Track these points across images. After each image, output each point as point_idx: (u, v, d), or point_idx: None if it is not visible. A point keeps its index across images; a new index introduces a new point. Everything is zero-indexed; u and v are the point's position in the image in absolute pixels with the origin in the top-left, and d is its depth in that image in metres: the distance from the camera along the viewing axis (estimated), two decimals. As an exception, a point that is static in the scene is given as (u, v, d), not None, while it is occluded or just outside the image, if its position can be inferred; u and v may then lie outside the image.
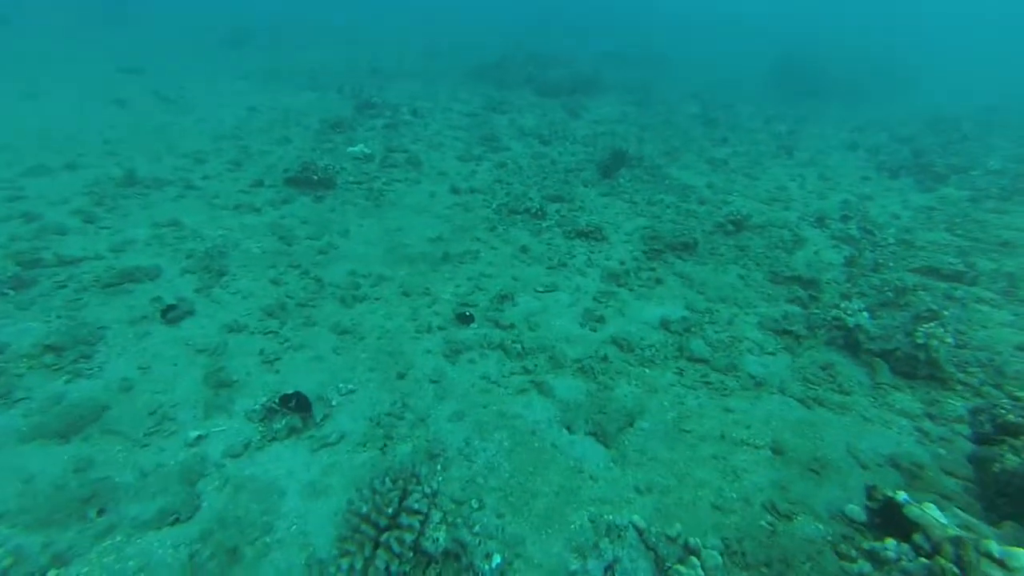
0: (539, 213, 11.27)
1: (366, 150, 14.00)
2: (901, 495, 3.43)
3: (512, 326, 7.71)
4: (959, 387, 6.87)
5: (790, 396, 6.64)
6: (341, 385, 6.49)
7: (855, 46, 32.59)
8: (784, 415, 6.32)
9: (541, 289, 8.69)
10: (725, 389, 6.70)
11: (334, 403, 6.21)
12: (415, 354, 7.11)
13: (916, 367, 6.84)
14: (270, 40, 32.45)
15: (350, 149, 14.03)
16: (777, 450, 5.80)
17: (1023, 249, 10.84)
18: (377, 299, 8.25)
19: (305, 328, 7.45)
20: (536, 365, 7.01)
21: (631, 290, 8.89)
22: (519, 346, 7.29)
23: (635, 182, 13.90)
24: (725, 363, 7.12)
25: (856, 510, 4.58)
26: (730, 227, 11.11)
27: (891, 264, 9.80)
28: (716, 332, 7.88)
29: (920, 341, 6.75)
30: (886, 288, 8.90)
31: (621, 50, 36.23)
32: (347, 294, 8.21)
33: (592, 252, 10.10)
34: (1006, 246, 10.94)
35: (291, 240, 9.67)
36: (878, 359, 7.04)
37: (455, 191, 12.32)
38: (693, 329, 7.85)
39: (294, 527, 4.69)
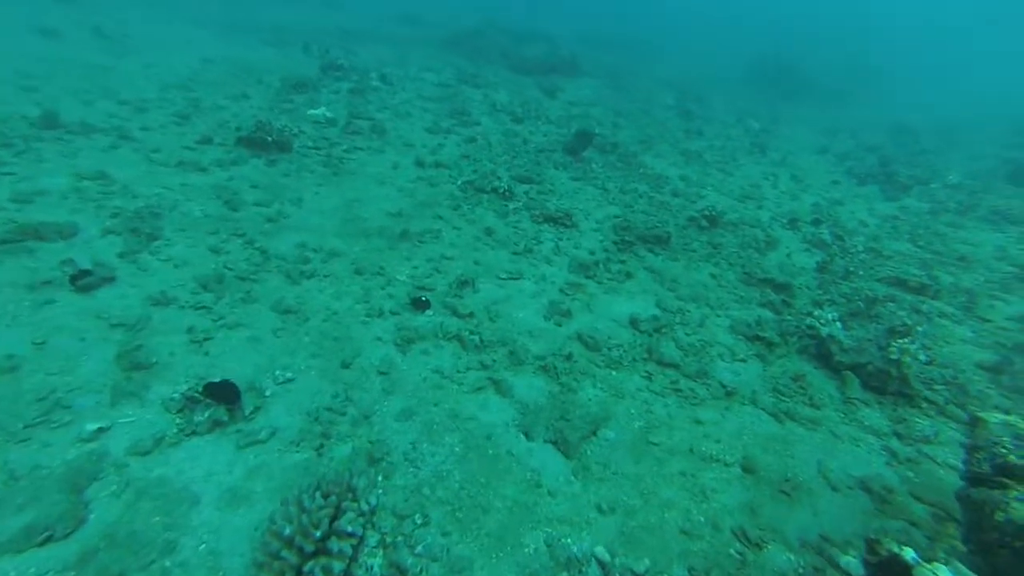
0: (507, 193, 10.55)
1: (328, 114, 12.92)
2: (909, 553, 2.97)
3: (471, 315, 7.03)
4: (924, 404, 6.61)
5: (761, 408, 6.22)
6: (278, 372, 5.71)
7: (829, 50, 32.69)
8: (755, 429, 5.88)
9: (505, 276, 8.02)
10: (695, 398, 6.22)
11: (268, 393, 5.43)
12: (364, 341, 6.37)
13: (887, 383, 6.52)
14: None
15: (311, 112, 12.92)
16: (748, 468, 5.35)
17: (978, 265, 10.78)
18: (327, 276, 7.42)
19: (244, 305, 6.59)
20: (495, 360, 6.37)
21: (600, 283, 8.32)
22: (477, 338, 6.63)
23: (608, 168, 13.29)
24: (696, 369, 6.64)
25: (854, 564, 4.14)
26: (704, 223, 10.66)
27: (861, 272, 9.53)
28: (687, 334, 7.40)
29: (893, 357, 6.42)
30: (856, 297, 8.60)
31: (602, 33, 35.37)
32: (294, 269, 7.35)
33: (560, 239, 9.47)
34: (963, 261, 10.86)
35: (238, 205, 8.68)
36: (849, 372, 6.69)
37: (420, 164, 11.46)
38: (664, 329, 7.34)
39: (203, 546, 3.94)
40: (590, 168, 12.96)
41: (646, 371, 6.58)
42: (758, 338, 7.46)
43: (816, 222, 11.80)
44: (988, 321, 8.67)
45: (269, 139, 10.58)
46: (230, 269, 7.13)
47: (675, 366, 6.72)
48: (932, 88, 38.76)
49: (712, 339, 7.41)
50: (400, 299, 7.18)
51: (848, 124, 23.13)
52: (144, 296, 6.28)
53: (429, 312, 7.02)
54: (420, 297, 7.08)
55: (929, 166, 17.33)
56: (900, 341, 6.50)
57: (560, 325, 7.19)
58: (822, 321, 7.31)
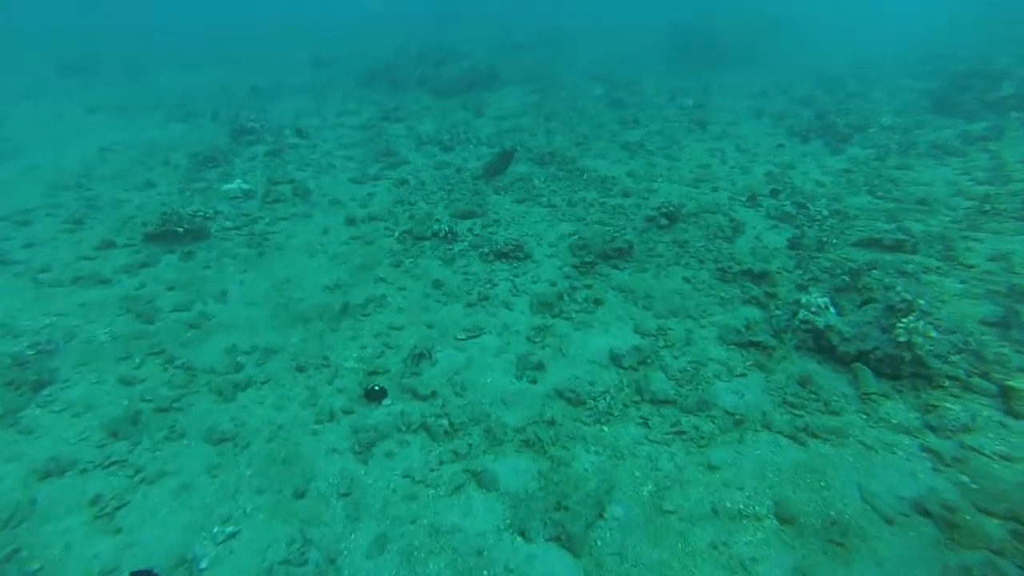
0: (449, 235, 9.70)
1: (244, 185, 11.87)
2: None
3: (434, 394, 6.14)
4: (947, 383, 5.99)
5: (777, 431, 5.49)
6: (217, 529, 4.74)
7: (730, 11, 32.90)
8: (778, 461, 5.14)
9: (463, 336, 7.16)
10: (702, 438, 5.44)
11: (205, 564, 4.43)
12: (316, 457, 5.42)
13: (900, 367, 5.86)
14: (124, 66, 28.66)
15: (226, 187, 11.86)
16: (784, 516, 4.60)
17: (939, 205, 10.40)
18: (265, 382, 6.45)
19: (168, 444, 5.58)
20: (470, 445, 5.50)
21: (568, 319, 7.52)
22: (446, 421, 5.75)
23: (550, 181, 12.58)
24: (695, 400, 5.88)
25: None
26: (663, 220, 10.00)
27: (834, 241, 8.98)
28: (675, 358, 6.65)
29: (902, 339, 5.77)
30: (838, 271, 8.02)
31: (516, 36, 34.93)
32: (225, 382, 6.36)
33: (516, 275, 8.66)
34: (924, 204, 10.48)
35: (152, 316, 7.62)
36: (859, 364, 6.02)
37: (351, 222, 10.52)
38: (649, 360, 6.58)
39: None
40: (532, 185, 12.20)
41: (641, 417, 5.79)
42: (751, 344, 6.76)
43: (774, 193, 11.29)
44: (971, 267, 8.19)
45: (180, 229, 9.50)
46: (148, 401, 6.10)
47: (671, 402, 5.95)
48: (833, 33, 39.46)
49: (703, 356, 6.68)
50: (352, 392, 6.25)
51: (775, 81, 23.03)
52: (27, 471, 5.20)
53: (386, 401, 6.11)
54: (373, 386, 6.15)
55: (860, 111, 17.18)
56: (904, 321, 5.86)
57: (535, 382, 6.36)
58: (814, 310, 6.65)
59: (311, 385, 6.38)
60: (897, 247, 8.54)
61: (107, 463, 5.28)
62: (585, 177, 12.74)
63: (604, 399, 6.01)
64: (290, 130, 15.89)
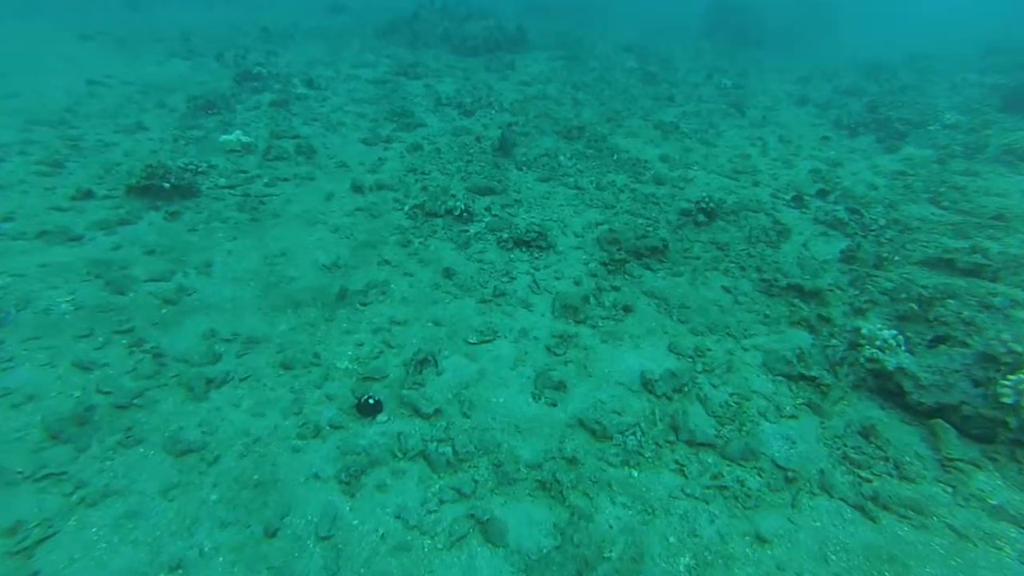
0: (465, 214, 8.68)
1: (244, 138, 10.77)
2: None
3: (437, 412, 5.26)
4: (1045, 450, 5.05)
5: (840, 498, 4.62)
6: None
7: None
8: (843, 539, 4.28)
9: (474, 340, 6.24)
10: (748, 497, 4.58)
11: (145, 620, 3.61)
12: (295, 483, 4.59)
13: (995, 432, 4.94)
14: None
15: (224, 138, 10.76)
16: (851, 620, 3.74)
17: (1018, 222, 9.27)
18: (244, 379, 5.58)
19: (121, 453, 4.74)
20: (476, 482, 4.65)
21: (594, 327, 6.59)
22: (449, 449, 4.88)
23: (578, 159, 11.46)
24: (740, 446, 4.99)
25: None
26: (701, 217, 8.96)
27: (896, 257, 7.95)
28: (715, 386, 5.76)
29: (1008, 400, 4.83)
30: (902, 295, 7.03)
31: (546, 0, 32.96)
32: (198, 376, 5.49)
33: (537, 268, 7.69)
34: (1000, 219, 9.38)
35: (125, 285, 6.71)
36: (939, 421, 5.10)
37: (358, 189, 9.48)
38: (686, 388, 5.67)
39: None
40: (558, 163, 11.10)
41: (676, 462, 4.91)
42: (803, 378, 5.83)
43: (822, 193, 10.19)
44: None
45: (167, 184, 8.49)
46: (105, 394, 5.24)
47: (711, 445, 5.06)
48: (884, 21, 37.30)
49: (746, 388, 5.78)
50: (343, 400, 5.38)
51: (818, 68, 21.51)
52: (-53, 484, 4.36)
53: (382, 417, 5.24)
54: (367, 397, 5.27)
55: (917, 105, 15.83)
56: (1013, 379, 4.91)
57: (554, 405, 5.47)
58: (879, 344, 5.71)
59: (297, 388, 5.50)
60: (975, 272, 7.51)
61: (40, 475, 4.43)
62: (615, 157, 11.63)
63: (634, 435, 5.12)
64: (299, 79, 14.66)
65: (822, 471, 4.84)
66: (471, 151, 11.31)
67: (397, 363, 5.93)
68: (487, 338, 6.31)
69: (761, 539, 4.27)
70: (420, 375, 5.76)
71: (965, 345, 5.90)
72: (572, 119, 13.61)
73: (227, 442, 4.89)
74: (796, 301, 7.17)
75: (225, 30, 21.81)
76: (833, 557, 4.14)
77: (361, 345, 6.16)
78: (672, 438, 5.15)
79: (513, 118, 13.50)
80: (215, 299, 6.69)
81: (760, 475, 4.82)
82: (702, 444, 5.09)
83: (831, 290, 7.38)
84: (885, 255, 7.88)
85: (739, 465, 4.91)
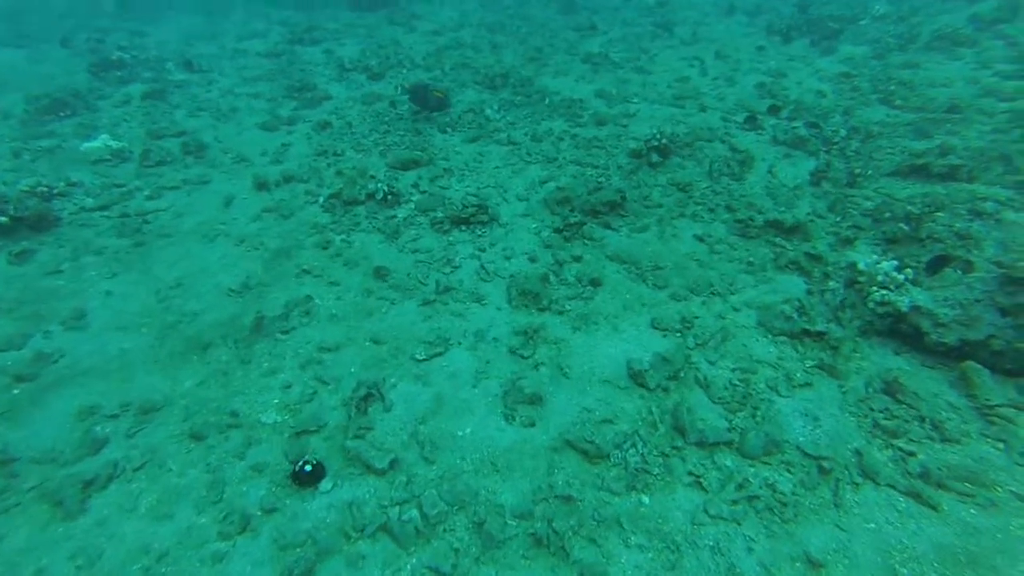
0: (389, 197, 7.32)
1: (113, 143, 8.86)
2: None
3: (394, 464, 4.14)
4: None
5: (887, 484, 3.81)
6: None
7: None
8: (909, 543, 3.48)
9: (423, 355, 5.08)
10: (784, 506, 3.71)
11: None
12: (219, 605, 3.40)
13: (1029, 365, 4.21)
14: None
15: (86, 145, 8.82)
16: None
17: (972, 112, 8.60)
18: (139, 467, 4.27)
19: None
20: (457, 551, 3.60)
21: (561, 312, 5.51)
22: (415, 512, 3.81)
23: (506, 109, 10.09)
24: (759, 439, 4.10)
25: None
26: (655, 157, 7.87)
27: (869, 172, 7.10)
28: (713, 365, 4.82)
29: (1042, 332, 4.06)
30: (886, 214, 6.21)
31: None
32: (70, 479, 4.14)
33: (482, 249, 6.50)
34: (954, 111, 8.66)
35: (-30, 358, 5.13)
36: (970, 364, 4.33)
37: (262, 186, 7.91)
38: (681, 373, 4.70)
39: None
40: (485, 118, 9.69)
41: (690, 473, 3.98)
42: (807, 334, 4.96)
43: (774, 110, 9.24)
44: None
45: (4, 218, 6.71)
46: (-54, 526, 3.84)
47: (726, 443, 4.14)
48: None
49: (748, 359, 4.88)
50: (275, 469, 4.19)
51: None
52: None
53: (325, 484, 4.07)
54: (303, 464, 4.07)
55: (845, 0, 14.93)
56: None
57: (532, 425, 4.42)
58: (882, 280, 4.86)
59: (213, 464, 4.25)
60: (951, 175, 6.78)
61: None
62: (547, 102, 10.30)
63: (634, 447, 4.15)
64: (175, 62, 12.41)
65: (858, 452, 4.01)
66: (386, 120, 9.76)
67: (335, 403, 4.73)
68: (438, 350, 5.15)
69: (813, 562, 3.41)
70: (365, 415, 4.58)
71: (969, 264, 5.13)
72: (493, 66, 12.08)
73: (118, 572, 3.62)
74: (778, 240, 6.26)
75: (69, 5, 18.53)
76: (904, 571, 3.31)
77: (289, 387, 4.91)
78: (679, 443, 4.20)
79: (428, 74, 11.84)
80: (93, 361, 5.22)
81: (790, 471, 3.94)
82: (715, 444, 4.17)
83: (811, 220, 6.49)
84: (857, 170, 7.02)
85: (763, 463, 4.02)
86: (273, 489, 4.05)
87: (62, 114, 9.84)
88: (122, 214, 7.35)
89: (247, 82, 11.93)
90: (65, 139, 9.20)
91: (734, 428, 4.27)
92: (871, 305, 4.79)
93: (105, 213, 7.34)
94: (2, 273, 6.21)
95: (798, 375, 4.71)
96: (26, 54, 13.24)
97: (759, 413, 4.36)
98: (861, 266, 5.26)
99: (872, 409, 4.31)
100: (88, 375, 5.07)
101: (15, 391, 4.87)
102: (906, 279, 4.79)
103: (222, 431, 4.52)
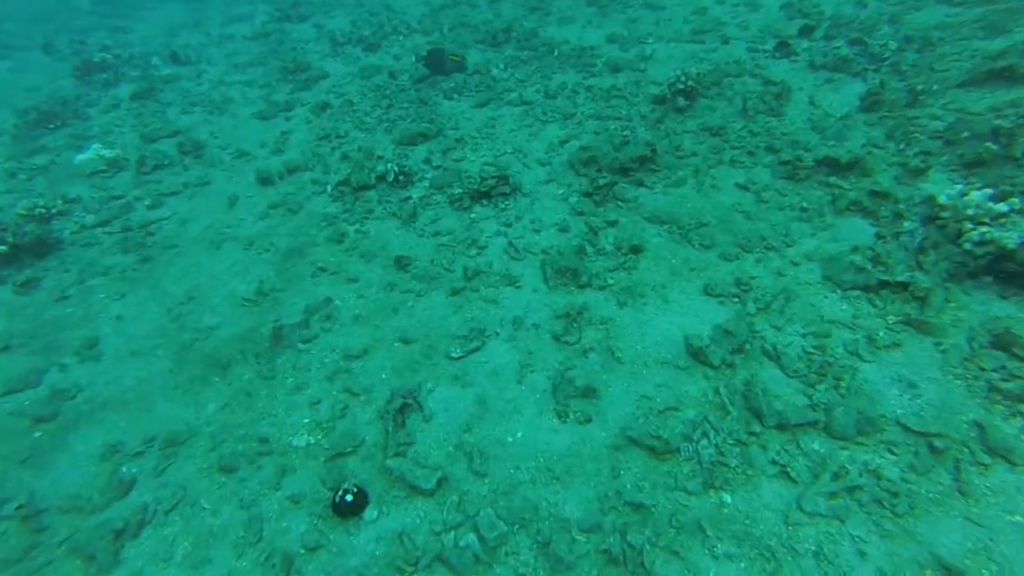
0: (401, 176, 6.70)
1: (106, 151, 8.36)
2: None
3: (442, 483, 3.69)
4: None
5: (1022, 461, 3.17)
6: None
7: None
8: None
9: (458, 353, 4.56)
10: (895, 496, 3.17)
11: None
12: (271, 658, 3.04)
13: None
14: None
15: (80, 157, 8.34)
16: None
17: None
18: (171, 509, 3.92)
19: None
20: (522, 579, 3.13)
21: (603, 287, 4.92)
22: (473, 537, 3.38)
23: (514, 67, 9.24)
24: (849, 417, 3.52)
25: None
26: (681, 101, 7.03)
27: (934, 87, 6.17)
28: (780, 332, 4.21)
29: None
30: (964, 133, 5.34)
31: None
32: (101, 529, 3.80)
33: (508, 224, 5.88)
34: None
35: (-13, 400, 4.82)
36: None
37: (266, 180, 7.36)
38: (747, 346, 4.09)
39: None
40: (492, 78, 8.88)
41: (774, 462, 3.43)
42: (885, 285, 4.27)
43: (807, 31, 8.20)
44: None
45: (2, 246, 6.32)
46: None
47: (811, 424, 3.55)
48: None
49: (819, 320, 4.25)
50: (313, 499, 3.79)
51: None
52: None
53: (370, 513, 3.65)
54: (343, 493, 3.65)
55: None
56: None
57: (589, 421, 3.90)
58: (974, 212, 4.11)
59: (248, 499, 3.86)
60: (1031, 80, 5.79)
61: None
62: (556, 53, 9.40)
63: (706, 437, 3.60)
64: (161, 56, 11.74)
65: (978, 424, 3.38)
66: (387, 93, 9.02)
67: (370, 417, 4.27)
68: (474, 345, 4.62)
69: (948, 569, 2.85)
70: (404, 428, 4.12)
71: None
72: (493, 21, 11.12)
73: (165, 621, 3.28)
74: (832, 179, 5.49)
75: (46, 8, 17.80)
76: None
77: (317, 403, 4.46)
78: (757, 428, 3.64)
79: (427, 38, 10.95)
80: (111, 392, 4.86)
81: (893, 453, 3.36)
82: (798, 426, 3.58)
83: (868, 152, 5.66)
84: (919, 87, 6.09)
85: (859, 445, 3.43)
86: (314, 523, 3.64)
87: (52, 126, 9.34)
88: (124, 228, 6.90)
89: (238, 69, 11.23)
90: (58, 153, 8.72)
91: (817, 405, 3.67)
92: (967, 246, 4.05)
93: (106, 229, 6.90)
94: (10, 305, 5.84)
95: (881, 334, 4.06)
96: (8, 65, 12.69)
97: (843, 384, 3.75)
98: (943, 199, 4.50)
99: (983, 369, 3.65)
100: (107, 409, 4.70)
101: (36, 434, 4.53)
102: (1011, 209, 4.02)
103: (252, 460, 4.11)
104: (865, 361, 3.92)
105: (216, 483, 4.01)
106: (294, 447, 4.18)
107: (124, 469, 4.17)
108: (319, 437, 4.23)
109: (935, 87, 6.15)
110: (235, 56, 11.87)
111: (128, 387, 4.85)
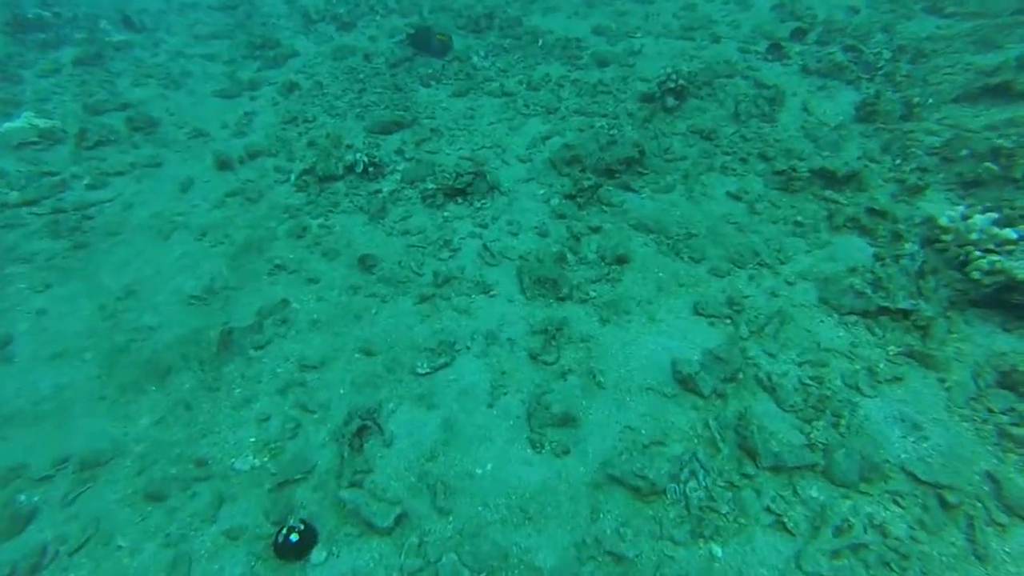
0: (371, 167, 6.13)
1: (40, 121, 7.51)
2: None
3: (399, 522, 3.21)
4: None
5: (1027, 517, 2.88)
6: None
7: None
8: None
9: (425, 368, 4.09)
10: (905, 559, 2.86)
11: None
12: None
13: None
14: None
15: (6, 126, 7.46)
16: None
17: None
18: (79, 548, 3.35)
19: None
20: (487, 646, 2.70)
21: (585, 300, 4.49)
22: (432, 591, 2.88)
23: (495, 55, 8.69)
24: (851, 461, 3.21)
25: None
26: (670, 100, 6.62)
27: (929, 100, 5.89)
28: (774, 359, 3.84)
29: None
30: (962, 152, 5.07)
31: None
32: None
33: (483, 225, 5.41)
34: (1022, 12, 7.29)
35: None
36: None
37: (224, 164, 6.69)
38: (739, 374, 3.72)
39: None
40: (472, 66, 8.32)
41: (769, 511, 3.08)
42: (884, 312, 3.95)
43: (799, 34, 7.88)
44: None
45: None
46: None
47: (810, 467, 3.21)
48: None
49: (815, 347, 3.92)
50: (255, 534, 3.27)
51: None
52: None
53: (318, 554, 3.16)
54: (287, 531, 3.15)
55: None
56: None
57: (567, 453, 3.50)
58: (980, 237, 3.82)
59: (174, 535, 3.32)
60: (1029, 97, 5.57)
61: None
62: (540, 43, 8.87)
63: (694, 477, 3.22)
64: (112, 19, 10.74)
65: (991, 476, 3.07)
66: (361, 76, 8.37)
67: (324, 438, 3.77)
68: (442, 360, 4.15)
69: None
70: (361, 454, 3.62)
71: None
72: (475, 6, 10.50)
73: None
74: (828, 193, 5.16)
75: None
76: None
77: (266, 420, 3.94)
78: (750, 469, 3.27)
79: (405, 20, 10.28)
80: (19, 404, 4.23)
81: (900, 505, 3.04)
82: (795, 468, 3.22)
83: (865, 166, 5.35)
84: (915, 99, 5.81)
85: (862, 494, 3.10)
86: (253, 565, 3.15)
87: (-20, 90, 8.38)
88: (56, 209, 6.16)
89: (200, 41, 10.37)
90: (-16, 120, 7.79)
91: (815, 445, 3.32)
92: (976, 274, 3.75)
93: (34, 209, 6.14)
94: (-85, 298, 5.10)
95: (881, 366, 3.74)
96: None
97: (843, 422, 3.41)
98: (944, 221, 4.19)
99: (992, 411, 3.36)
100: (12, 423, 4.07)
101: (-71, 453, 3.88)
102: (1020, 236, 3.73)
103: (186, 486, 3.57)
104: (865, 396, 3.59)
105: (139, 514, 3.46)
106: (236, 471, 3.66)
107: (23, 497, 3.57)
108: (266, 459, 3.71)
109: (930, 100, 5.88)
110: (197, 26, 10.97)
111: (43, 396, 4.23)
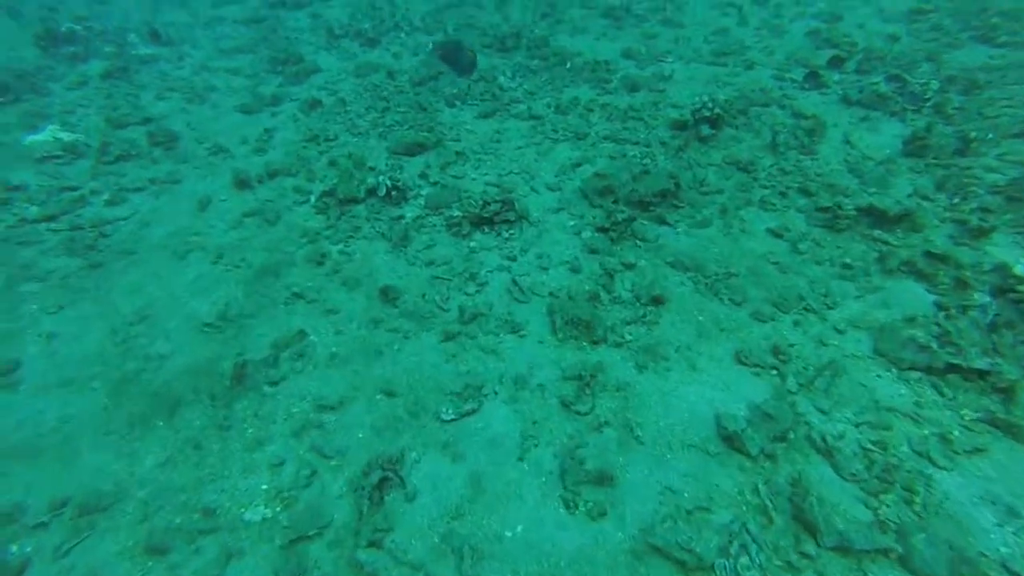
0: (393, 191, 5.92)
1: (64, 135, 7.45)
2: None
3: (421, 594, 2.90)
4: None
5: None
6: None
7: None
8: None
9: (451, 414, 3.81)
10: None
11: None
12: None
13: None
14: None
15: (31, 138, 7.41)
16: None
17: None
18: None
19: None
20: None
21: (620, 344, 4.19)
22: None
23: (522, 76, 8.50)
24: (936, 550, 2.88)
25: None
26: (705, 129, 6.34)
27: (989, 135, 5.56)
28: (826, 413, 3.55)
29: None
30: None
31: None
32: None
33: (512, 257, 5.14)
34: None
35: None
36: None
37: (243, 184, 6.53)
38: (790, 433, 3.39)
39: None
40: (498, 87, 8.14)
41: (836, 599, 2.70)
42: (953, 370, 3.60)
43: (837, 61, 7.59)
44: None
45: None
46: None
47: (883, 552, 2.85)
48: None
49: (873, 406, 3.56)
50: (254, 601, 2.96)
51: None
52: None
53: (324, 627, 2.85)
54: (293, 599, 2.87)
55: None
56: None
57: (603, 515, 3.21)
58: None
59: (176, 592, 3.02)
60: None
61: None
62: (568, 65, 8.67)
63: (745, 552, 2.88)
64: (140, 33, 10.75)
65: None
66: (385, 94, 8.22)
67: (341, 488, 3.49)
68: (469, 406, 3.87)
69: None
70: (381, 508, 3.34)
71: None
72: (501, 24, 10.37)
73: None
74: (878, 233, 4.82)
75: None
76: None
77: (280, 465, 3.67)
78: (810, 548, 2.93)
79: (429, 37, 10.16)
80: (23, 435, 4.01)
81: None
82: (865, 552, 2.87)
83: (918, 205, 5.02)
84: (972, 134, 5.47)
85: (940, 585, 2.73)
86: (258, 637, 2.84)
87: (7, 98, 8.33)
88: (73, 226, 6.02)
89: (224, 55, 10.33)
90: (6, 131, 7.74)
91: (886, 524, 2.97)
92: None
93: (52, 225, 6.00)
94: (-77, 316, 4.94)
95: (956, 433, 3.39)
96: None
97: (917, 499, 3.06)
98: (1020, 271, 3.84)
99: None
100: (12, 458, 3.85)
101: (-72, 490, 3.66)
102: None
103: (192, 539, 3.31)
104: (940, 468, 3.24)
105: (139, 569, 3.20)
106: (246, 522, 3.40)
107: (14, 548, 3.32)
108: (278, 510, 3.44)
109: (990, 135, 5.53)
110: (222, 40, 10.96)
111: (48, 428, 4.01)
